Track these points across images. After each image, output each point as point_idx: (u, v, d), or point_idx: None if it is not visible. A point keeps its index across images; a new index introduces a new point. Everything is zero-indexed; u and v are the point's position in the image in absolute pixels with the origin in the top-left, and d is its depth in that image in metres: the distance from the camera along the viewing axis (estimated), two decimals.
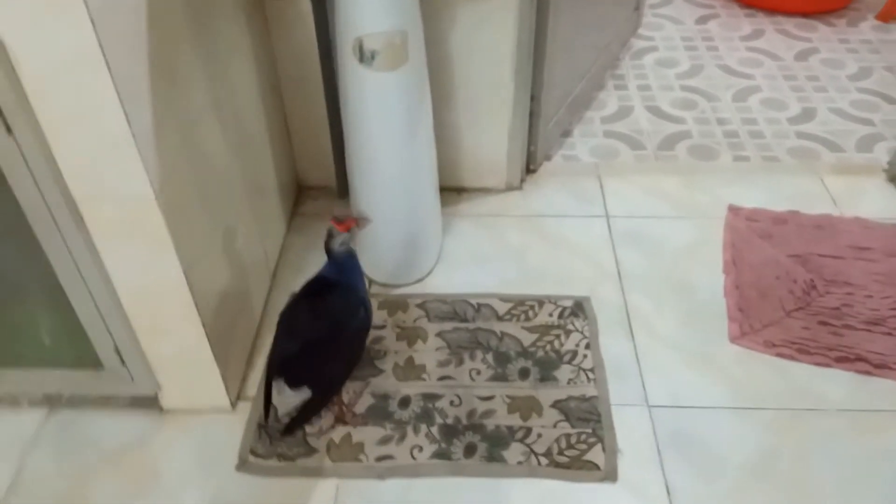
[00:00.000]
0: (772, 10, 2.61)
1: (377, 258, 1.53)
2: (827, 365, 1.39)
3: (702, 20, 2.60)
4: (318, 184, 1.83)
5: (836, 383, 1.36)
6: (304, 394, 1.14)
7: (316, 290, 1.20)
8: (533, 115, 1.75)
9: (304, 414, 1.18)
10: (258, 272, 1.52)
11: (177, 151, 1.10)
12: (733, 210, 1.73)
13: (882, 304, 1.48)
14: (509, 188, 1.82)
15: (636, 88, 2.25)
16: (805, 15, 2.59)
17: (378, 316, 1.47)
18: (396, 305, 1.51)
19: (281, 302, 1.28)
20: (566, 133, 2.04)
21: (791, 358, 1.40)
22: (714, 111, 2.14)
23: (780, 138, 2.02)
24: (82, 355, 1.26)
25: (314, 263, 1.58)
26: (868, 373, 1.37)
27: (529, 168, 1.85)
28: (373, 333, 1.40)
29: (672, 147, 2.00)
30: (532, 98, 1.71)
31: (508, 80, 1.63)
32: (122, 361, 1.27)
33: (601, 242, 1.66)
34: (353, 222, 1.16)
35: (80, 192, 1.02)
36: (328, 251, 1.18)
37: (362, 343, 1.25)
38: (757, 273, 1.56)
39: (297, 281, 1.54)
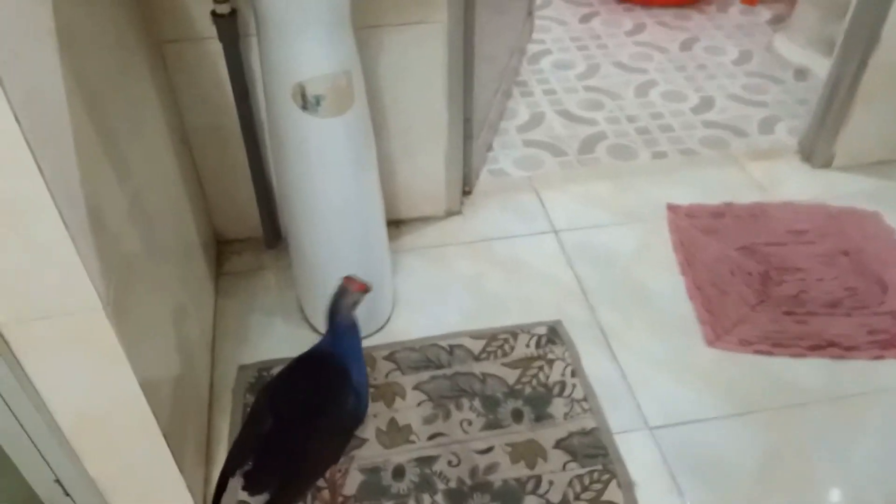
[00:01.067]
0: (646, 4, 2.63)
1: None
2: (802, 355, 1.37)
3: (585, 19, 2.58)
4: (239, 236, 1.62)
5: (815, 372, 1.35)
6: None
7: (302, 366, 1.00)
8: (467, 138, 1.63)
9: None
10: (199, 349, 1.30)
11: (118, 244, 0.89)
12: (672, 209, 1.69)
13: (833, 285, 1.49)
14: (449, 214, 1.69)
15: (542, 94, 2.19)
16: (678, 5, 2.63)
17: None
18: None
19: (226, 378, 1.08)
20: (488, 147, 1.94)
21: (768, 353, 1.37)
22: (621, 109, 2.11)
23: (689, 129, 2.02)
24: (14, 493, 1.01)
25: (256, 329, 1.39)
26: (841, 357, 1.36)
27: (465, 190, 1.73)
28: None
29: (592, 150, 1.95)
30: (465, 120, 1.59)
31: (441, 104, 1.50)
32: (66, 492, 1.03)
33: (555, 259, 1.58)
34: (365, 286, 0.99)
35: (2, 316, 0.79)
36: (334, 313, 0.99)
37: (344, 440, 1.01)
38: (712, 270, 1.53)
39: (239, 352, 1.35)
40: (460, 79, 1.51)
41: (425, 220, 1.67)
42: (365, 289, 1.00)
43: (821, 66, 2.21)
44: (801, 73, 2.26)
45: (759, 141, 1.97)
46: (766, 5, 2.65)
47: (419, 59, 1.42)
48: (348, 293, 0.99)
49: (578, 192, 1.77)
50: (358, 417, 1.00)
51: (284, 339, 1.39)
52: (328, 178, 1.20)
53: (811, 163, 1.84)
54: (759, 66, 2.30)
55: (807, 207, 1.69)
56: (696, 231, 1.63)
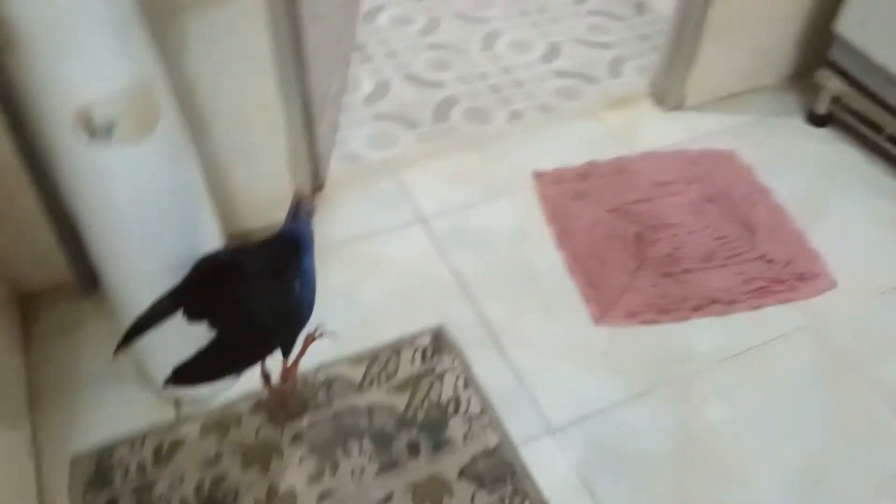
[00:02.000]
0: None
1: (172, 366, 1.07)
2: (688, 318, 1.32)
3: None
4: (46, 284, 1.32)
5: (704, 333, 1.30)
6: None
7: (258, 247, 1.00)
8: (308, 125, 1.40)
9: (198, 364, 0.85)
10: (13, 446, 1.04)
11: None
12: (539, 176, 1.57)
13: (705, 235, 1.44)
14: None
15: (384, 57, 1.97)
16: None
17: (206, 447, 1.09)
18: (224, 423, 1.13)
19: (57, 476, 0.90)
20: (335, 128, 1.72)
21: (654, 322, 1.31)
22: (469, 66, 1.95)
23: (541, 82, 1.90)
24: None
25: (85, 402, 1.14)
26: (724, 312, 1.32)
27: (316, 187, 1.51)
28: (212, 471, 1.03)
29: (447, 117, 1.78)
30: (304, 105, 1.36)
31: (273, 92, 1.27)
32: None
33: (428, 253, 1.42)
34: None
35: None
36: (294, 218, 1.01)
37: (284, 323, 0.96)
38: (588, 239, 1.43)
39: (69, 437, 1.12)
40: (291, 58, 1.28)
41: (273, 227, 1.44)
42: (309, 198, 1.03)
43: None
44: (639, 7, 2.19)
45: (610, 86, 1.88)
46: None
47: (238, 43, 1.17)
48: (303, 208, 1.02)
49: (441, 168, 1.60)
50: (301, 305, 0.96)
51: (122, 407, 1.15)
52: (141, 215, 0.96)
53: (664, 105, 1.77)
54: (599, 3, 2.20)
55: (667, 155, 1.63)
56: (566, 198, 1.52)
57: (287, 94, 1.29)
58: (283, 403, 1.10)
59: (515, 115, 1.78)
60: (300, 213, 1.02)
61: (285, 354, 1.00)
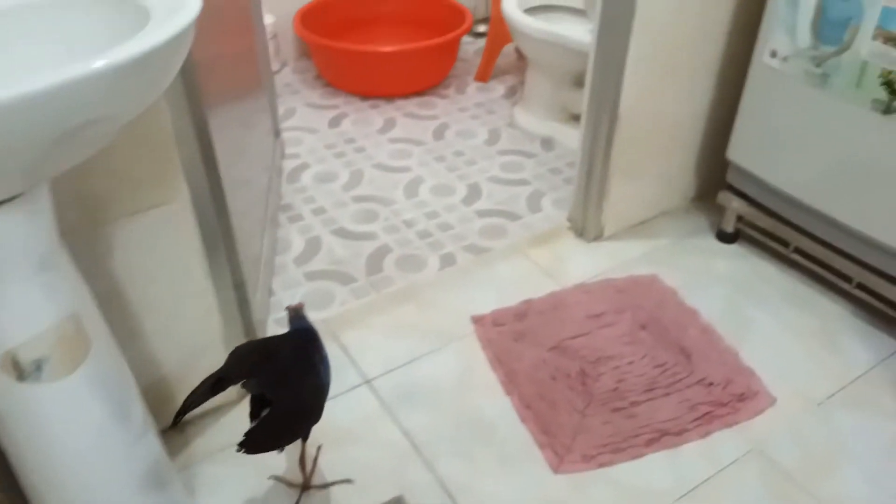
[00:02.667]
0: (389, 96, 2.57)
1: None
2: (641, 454, 1.31)
3: (334, 122, 2.44)
4: None
5: (660, 469, 1.29)
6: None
7: (284, 335, 1.16)
8: (242, 304, 1.38)
9: (257, 435, 0.98)
10: None
11: None
12: (477, 321, 1.58)
13: (644, 364, 1.47)
14: (241, 396, 1.42)
15: (311, 214, 1.99)
16: (419, 93, 2.60)
17: None
18: None
19: None
20: (269, 293, 1.69)
21: (610, 463, 1.29)
22: (396, 215, 1.99)
23: (466, 223, 1.95)
24: None
25: None
26: (676, 444, 1.32)
27: None
28: None
29: (380, 268, 1.79)
30: (237, 286, 1.34)
31: (204, 281, 1.25)
32: None
33: (377, 417, 1.38)
34: (300, 305, 1.19)
35: None
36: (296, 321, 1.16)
37: (320, 397, 1.11)
38: (534, 381, 1.43)
39: None
40: (220, 245, 1.27)
41: (216, 411, 1.39)
42: (301, 305, 1.18)
43: (563, 134, 2.29)
44: (547, 143, 2.31)
45: (532, 221, 1.95)
46: (497, 80, 2.71)
47: (166, 245, 1.16)
48: (298, 314, 1.17)
49: (379, 324, 1.59)
50: (327, 386, 1.13)
51: None
52: (74, 445, 0.89)
53: (584, 237, 1.84)
54: (509, 143, 2.32)
55: (596, 286, 1.67)
56: (507, 340, 1.53)
57: (219, 277, 1.28)
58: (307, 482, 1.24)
59: (447, 259, 1.82)
60: (297, 319, 1.17)
61: (305, 438, 1.14)
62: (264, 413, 1.00)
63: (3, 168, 0.63)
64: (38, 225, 0.76)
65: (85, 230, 1.06)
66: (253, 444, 0.97)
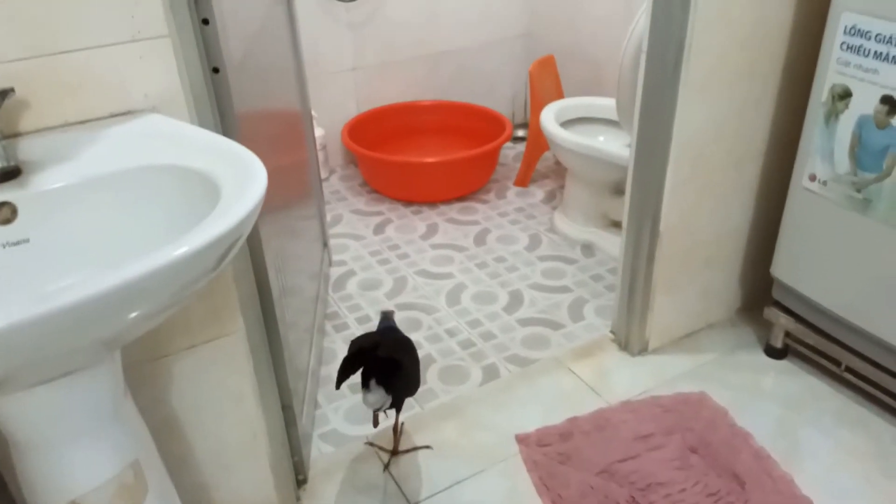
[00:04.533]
0: (432, 203, 2.64)
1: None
2: None
3: (378, 229, 2.51)
4: None
5: None
6: (384, 397, 1.32)
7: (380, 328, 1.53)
8: (289, 426, 1.39)
9: (402, 388, 1.39)
10: None
11: None
12: (522, 440, 1.57)
13: (696, 493, 1.42)
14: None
15: (356, 323, 2.03)
16: (460, 199, 2.66)
17: None
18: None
19: None
20: (315, 405, 1.71)
21: None
22: (439, 324, 2.01)
23: (509, 332, 1.96)
24: None
25: None
26: None
27: (299, 480, 1.47)
28: None
29: (424, 380, 1.79)
30: (284, 408, 1.37)
31: (254, 408, 1.27)
32: None
33: None
34: (391, 311, 1.61)
35: None
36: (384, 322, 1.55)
37: (418, 360, 1.51)
38: None
39: None
40: (271, 373, 1.30)
41: None
42: (392, 312, 1.62)
43: (603, 240, 2.31)
44: (587, 249, 2.33)
45: (574, 331, 1.95)
46: (537, 185, 2.77)
47: (219, 375, 1.20)
48: (388, 317, 1.58)
49: (423, 442, 1.59)
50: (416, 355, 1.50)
51: None
52: None
53: (629, 350, 1.83)
54: (550, 249, 2.35)
55: (642, 405, 1.65)
56: (553, 462, 1.50)
57: (268, 401, 1.30)
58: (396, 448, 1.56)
59: (489, 371, 1.82)
60: (386, 321, 1.55)
61: (399, 408, 1.49)
62: (379, 392, 1.32)
63: (84, 347, 0.67)
64: (109, 384, 0.80)
65: (145, 364, 1.10)
66: (397, 395, 1.37)
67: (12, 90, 0.82)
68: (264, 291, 1.24)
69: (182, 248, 0.66)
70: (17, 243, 0.79)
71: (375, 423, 1.43)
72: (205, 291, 1.11)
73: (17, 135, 0.87)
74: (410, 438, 1.60)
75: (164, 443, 1.00)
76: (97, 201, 0.83)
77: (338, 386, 1.37)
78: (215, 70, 1.03)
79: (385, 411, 1.40)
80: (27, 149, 0.85)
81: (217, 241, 0.69)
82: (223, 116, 1.07)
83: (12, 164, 0.81)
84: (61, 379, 0.73)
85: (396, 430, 1.56)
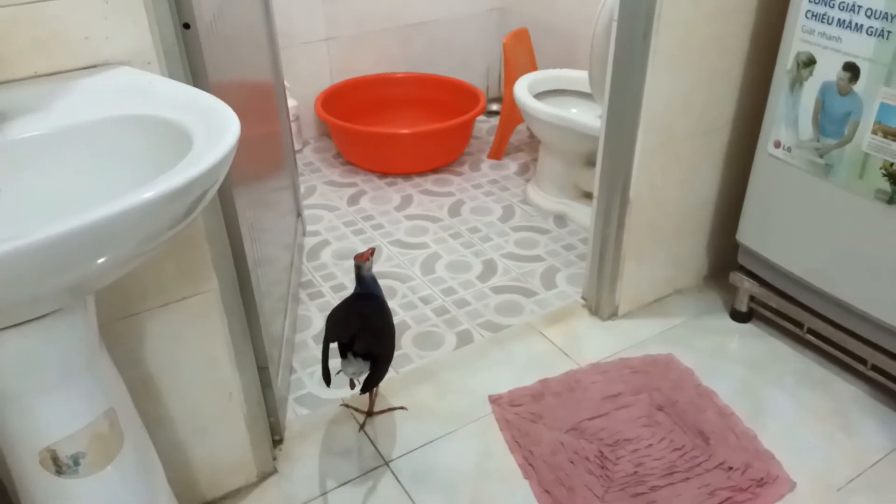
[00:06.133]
0: (407, 174, 2.64)
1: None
2: None
3: (352, 200, 2.51)
4: None
5: None
6: (363, 366, 1.34)
7: (357, 299, 1.48)
8: (265, 386, 1.41)
9: (372, 379, 1.37)
10: None
11: None
12: (494, 401, 1.60)
13: (663, 448, 1.47)
14: (263, 476, 1.43)
15: (330, 290, 2.03)
16: (434, 171, 2.67)
17: None
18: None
19: None
20: (290, 370, 1.72)
21: None
22: (413, 292, 2.02)
23: (482, 300, 1.98)
24: None
25: None
26: None
27: (275, 440, 1.49)
28: None
29: (399, 345, 1.81)
30: (260, 369, 1.37)
31: (230, 369, 1.28)
32: None
33: (396, 501, 1.38)
34: (370, 252, 1.47)
35: None
36: (359, 278, 1.48)
37: (394, 334, 1.52)
38: (552, 465, 1.43)
39: None
40: (246, 334, 1.31)
41: (236, 493, 1.40)
42: (371, 252, 1.48)
43: (575, 211, 2.34)
44: (559, 220, 2.36)
45: (547, 298, 1.98)
46: (510, 157, 2.78)
47: (194, 333, 1.20)
48: (362, 267, 1.47)
49: (398, 404, 1.61)
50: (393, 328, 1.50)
51: None
52: None
53: (599, 315, 1.86)
54: (523, 219, 2.37)
55: (612, 366, 1.69)
56: (525, 421, 1.54)
57: (243, 361, 1.31)
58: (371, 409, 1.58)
59: (463, 336, 1.84)
60: (363, 273, 1.47)
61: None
62: (359, 363, 1.35)
63: (53, 289, 0.67)
64: (82, 333, 0.80)
65: (118, 322, 1.10)
66: (369, 385, 1.37)
67: None
68: (238, 250, 1.24)
69: (150, 192, 0.66)
70: None
71: (352, 386, 1.45)
72: (178, 248, 1.11)
73: None
74: (386, 400, 1.62)
75: (139, 402, 1.00)
76: (69, 152, 0.83)
77: (326, 379, 1.38)
78: (186, 26, 1.02)
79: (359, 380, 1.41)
80: None
81: (187, 186, 0.69)
82: (194, 75, 1.07)
83: None
84: (33, 324, 0.74)
85: (372, 392, 1.58)
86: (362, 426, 1.55)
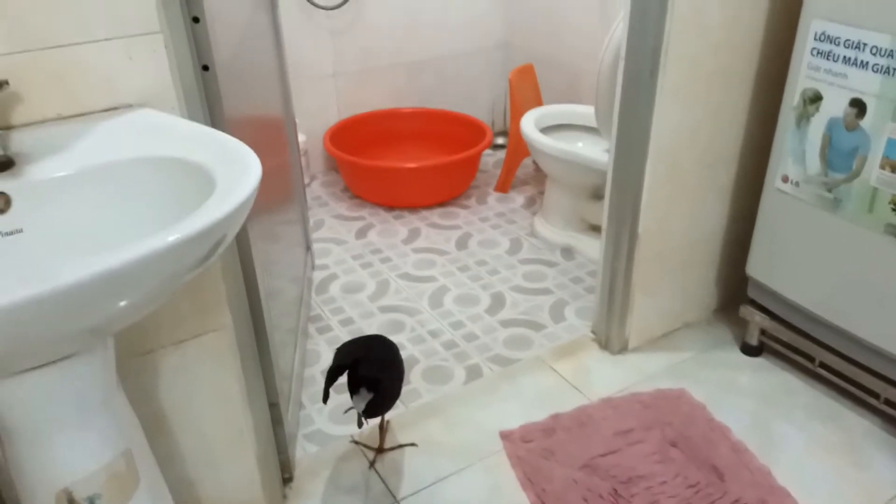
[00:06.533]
0: (413, 207, 2.66)
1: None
2: None
3: (360, 233, 2.52)
4: None
5: None
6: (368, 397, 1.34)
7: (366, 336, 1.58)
8: (276, 423, 1.40)
9: (376, 404, 1.37)
10: None
11: None
12: (505, 437, 1.59)
13: (677, 486, 1.45)
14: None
15: (339, 324, 2.03)
16: (441, 204, 2.69)
17: None
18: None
19: None
20: (300, 406, 1.71)
21: None
22: (422, 325, 2.02)
23: (491, 333, 1.98)
24: None
25: None
26: None
27: (285, 478, 1.48)
28: None
29: (408, 380, 1.81)
30: (271, 406, 1.37)
31: (241, 406, 1.27)
32: None
33: None
34: None
35: None
36: None
37: (402, 366, 1.50)
38: (565, 503, 1.41)
39: None
40: (258, 371, 1.31)
41: None
42: None
43: (582, 244, 2.35)
44: (567, 252, 2.37)
45: (556, 331, 1.98)
46: (517, 190, 2.80)
47: (207, 370, 1.20)
48: None
49: (407, 439, 1.60)
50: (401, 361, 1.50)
51: None
52: None
53: (609, 349, 1.86)
54: (530, 252, 2.38)
55: (623, 401, 1.68)
56: (537, 457, 1.53)
57: (255, 398, 1.31)
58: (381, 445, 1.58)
59: (472, 371, 1.83)
60: None
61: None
62: (367, 395, 1.35)
63: (75, 331, 0.68)
64: (101, 374, 0.80)
65: (133, 359, 1.10)
66: (372, 411, 1.38)
67: (6, 83, 0.83)
68: (252, 288, 1.24)
69: (174, 235, 0.67)
70: (10, 233, 0.80)
71: (360, 424, 1.44)
72: (193, 286, 1.11)
73: (10, 127, 0.88)
74: (395, 436, 1.61)
75: (150, 438, 1.00)
76: (91, 192, 0.84)
77: (325, 399, 1.42)
78: (205, 68, 1.04)
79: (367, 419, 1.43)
80: (20, 141, 0.86)
81: (211, 229, 0.70)
82: (212, 114, 1.09)
83: (6, 155, 0.82)
84: (52, 365, 0.74)
85: (382, 428, 1.58)
86: (372, 463, 1.54)
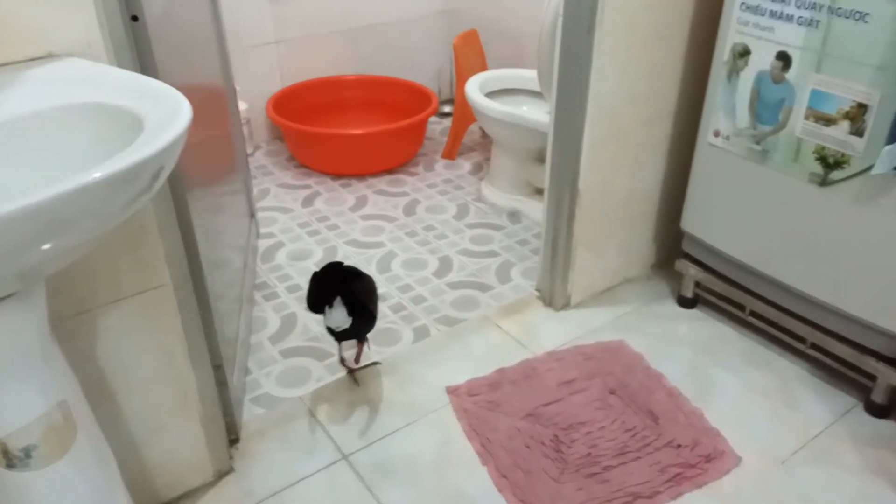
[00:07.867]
0: (361, 175, 2.66)
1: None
2: None
3: (307, 202, 2.52)
4: None
5: None
6: (344, 317, 1.46)
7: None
8: (220, 385, 1.41)
9: (356, 332, 1.56)
10: None
11: None
12: (452, 391, 1.63)
13: (614, 429, 1.52)
14: (220, 475, 1.43)
15: (286, 291, 2.04)
16: (389, 172, 2.70)
17: None
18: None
19: None
20: (246, 371, 1.72)
21: None
22: None
23: (439, 296, 2.01)
24: None
25: None
26: None
27: (231, 440, 1.49)
28: None
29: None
30: (216, 367, 1.38)
31: (185, 366, 1.28)
32: None
33: (358, 492, 1.40)
34: None
35: None
36: None
37: (376, 303, 1.63)
38: (509, 450, 1.47)
39: None
40: (200, 330, 1.31)
41: (193, 493, 1.39)
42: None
43: (528, 207, 2.39)
44: (513, 216, 2.41)
45: (502, 292, 2.02)
46: (464, 157, 2.83)
47: (148, 329, 1.20)
48: None
49: (356, 399, 1.62)
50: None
51: None
52: None
53: (553, 306, 1.91)
54: (477, 217, 2.41)
55: (566, 354, 1.74)
56: (482, 409, 1.57)
57: (198, 359, 1.31)
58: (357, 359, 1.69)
59: (420, 332, 1.86)
60: None
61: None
62: (343, 310, 1.46)
63: (3, 273, 0.68)
64: (33, 321, 0.80)
65: (70, 318, 1.10)
66: (356, 333, 1.55)
67: None
68: (190, 246, 1.24)
69: (98, 173, 0.67)
70: None
71: (342, 360, 1.65)
72: (131, 243, 1.11)
73: None
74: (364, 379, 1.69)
75: (93, 402, 1.00)
76: (20, 142, 0.83)
77: (314, 308, 1.50)
78: (134, 18, 1.03)
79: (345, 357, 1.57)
80: None
81: (138, 166, 0.71)
82: (144, 69, 1.08)
83: None
84: None
85: (359, 357, 1.69)
86: (353, 377, 1.69)
